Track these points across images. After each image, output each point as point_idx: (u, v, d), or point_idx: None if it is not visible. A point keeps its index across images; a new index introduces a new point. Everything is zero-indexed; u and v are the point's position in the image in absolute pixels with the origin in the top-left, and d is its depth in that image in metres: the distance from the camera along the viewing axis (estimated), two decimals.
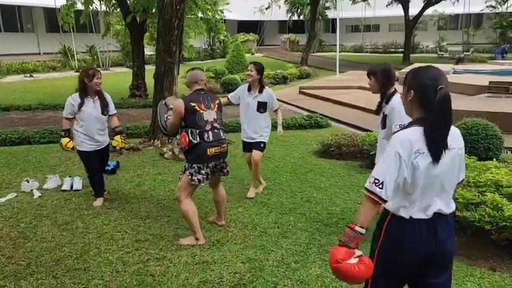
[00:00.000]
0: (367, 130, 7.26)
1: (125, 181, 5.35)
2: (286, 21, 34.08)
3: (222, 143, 3.66)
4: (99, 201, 4.61)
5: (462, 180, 2.05)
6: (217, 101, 3.72)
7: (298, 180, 5.35)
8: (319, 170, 5.73)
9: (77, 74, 19.75)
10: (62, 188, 5.01)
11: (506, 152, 6.00)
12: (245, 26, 35.79)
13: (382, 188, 1.79)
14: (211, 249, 3.56)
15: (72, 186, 5.01)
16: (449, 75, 12.85)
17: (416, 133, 1.82)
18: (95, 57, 21.67)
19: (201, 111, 3.55)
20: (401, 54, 24.75)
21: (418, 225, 1.87)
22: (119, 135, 4.62)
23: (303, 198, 4.76)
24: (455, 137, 1.89)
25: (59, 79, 16.90)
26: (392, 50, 31.91)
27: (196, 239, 3.65)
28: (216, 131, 3.62)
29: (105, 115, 4.50)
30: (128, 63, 20.08)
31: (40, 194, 4.84)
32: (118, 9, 12.29)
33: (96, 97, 4.43)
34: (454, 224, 1.99)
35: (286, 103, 11.35)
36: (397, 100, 3.36)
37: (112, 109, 4.60)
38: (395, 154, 1.81)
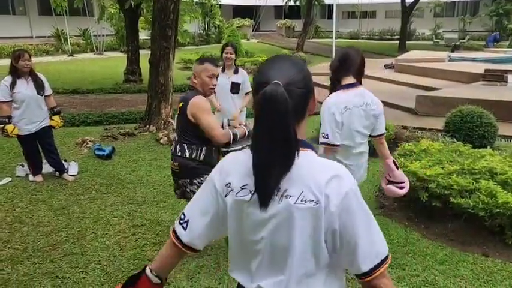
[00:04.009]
0: None
1: (121, 166, 5.34)
2: (282, 6, 33.63)
3: (173, 160, 2.91)
4: (38, 177, 4.83)
5: (369, 274, 1.13)
6: (182, 103, 2.79)
7: None
8: None
9: (70, 58, 19.54)
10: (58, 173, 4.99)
11: (500, 140, 6.06)
12: (240, 11, 35.36)
13: (185, 229, 1.28)
14: None
15: (67, 171, 5.00)
16: (445, 62, 12.85)
17: (243, 158, 1.20)
18: (89, 41, 21.38)
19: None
20: (398, 42, 24.67)
21: None
22: (57, 115, 4.88)
23: None
24: (305, 180, 1.11)
25: (53, 63, 16.68)
26: (388, 37, 31.76)
27: None
28: (174, 143, 2.93)
29: (41, 95, 4.65)
30: (122, 48, 19.83)
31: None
32: None
33: (29, 78, 4.59)
34: None
35: None
36: (329, 100, 2.62)
37: (48, 89, 4.75)
38: (210, 181, 1.26)
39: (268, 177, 1.10)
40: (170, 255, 1.33)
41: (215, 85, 2.86)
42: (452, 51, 18.51)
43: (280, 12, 37.30)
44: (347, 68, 2.64)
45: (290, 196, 1.11)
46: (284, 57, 1.23)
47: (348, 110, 2.61)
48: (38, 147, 4.83)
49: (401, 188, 2.82)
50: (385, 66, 13.68)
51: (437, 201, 3.63)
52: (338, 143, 2.63)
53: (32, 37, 22.86)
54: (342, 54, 2.69)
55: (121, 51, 20.33)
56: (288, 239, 1.13)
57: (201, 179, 2.78)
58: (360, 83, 2.71)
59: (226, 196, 1.21)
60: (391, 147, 3.83)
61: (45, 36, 21.55)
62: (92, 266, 3.12)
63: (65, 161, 5.18)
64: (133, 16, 11.71)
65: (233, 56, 4.70)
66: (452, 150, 4.34)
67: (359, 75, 2.69)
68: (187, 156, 2.77)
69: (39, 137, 4.75)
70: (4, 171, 5.13)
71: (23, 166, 5.01)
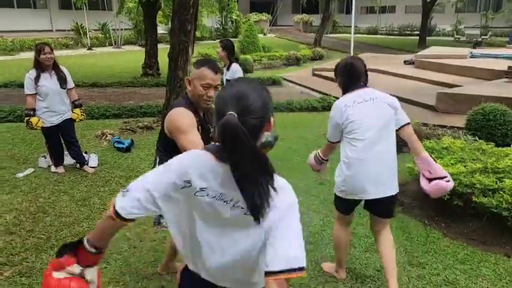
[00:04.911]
0: None
1: (140, 159, 5.40)
2: (299, 1, 33.50)
3: None
4: (60, 169, 4.93)
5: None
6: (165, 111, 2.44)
7: None
8: None
9: (89, 52, 19.75)
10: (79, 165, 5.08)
11: None
12: (258, 6, 35.30)
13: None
14: None
15: (88, 163, 5.09)
16: (466, 59, 12.59)
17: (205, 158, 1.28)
18: (107, 35, 21.63)
19: None
20: (417, 37, 24.25)
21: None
22: (78, 109, 4.94)
23: (316, 180, 4.77)
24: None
25: (72, 57, 16.93)
26: (408, 32, 31.25)
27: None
28: None
29: (64, 89, 4.73)
30: (141, 42, 20.00)
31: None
32: None
33: (53, 72, 4.66)
34: None
35: (299, 85, 11.22)
36: (335, 103, 2.67)
37: (70, 83, 4.83)
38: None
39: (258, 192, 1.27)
40: None
41: (211, 97, 2.21)
42: (474, 47, 18.12)
43: (297, 6, 37.07)
44: (357, 79, 2.63)
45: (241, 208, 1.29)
46: (244, 83, 1.23)
47: (349, 107, 2.54)
48: (60, 139, 4.92)
49: (448, 181, 2.61)
50: (404, 62, 13.48)
51: (459, 200, 3.57)
52: (334, 141, 2.75)
53: (52, 31, 23.28)
54: (348, 67, 2.66)
55: (139, 45, 20.50)
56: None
57: None
58: (366, 85, 2.66)
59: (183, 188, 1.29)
60: None
61: (65, 30, 21.89)
62: (114, 257, 3.18)
63: (86, 153, 5.27)
64: (151, 10, 11.78)
65: (218, 50, 4.75)
66: (474, 149, 4.26)
67: (366, 78, 2.68)
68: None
69: (61, 129, 4.84)
70: (27, 162, 5.24)
71: (45, 157, 5.12)
